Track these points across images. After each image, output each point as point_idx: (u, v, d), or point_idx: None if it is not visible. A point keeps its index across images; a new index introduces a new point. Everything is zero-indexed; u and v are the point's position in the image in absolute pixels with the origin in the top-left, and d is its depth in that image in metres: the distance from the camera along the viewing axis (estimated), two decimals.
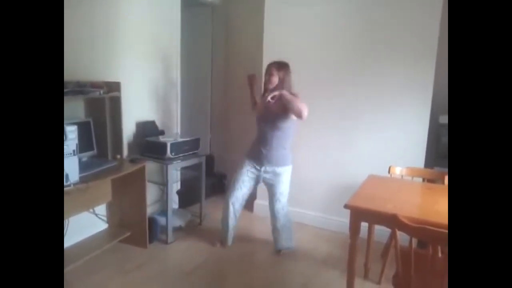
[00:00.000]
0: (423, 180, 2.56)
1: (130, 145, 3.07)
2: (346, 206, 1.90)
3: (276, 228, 2.83)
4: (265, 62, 3.34)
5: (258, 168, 2.72)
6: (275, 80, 2.56)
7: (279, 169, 2.68)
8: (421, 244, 2.52)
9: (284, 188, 2.74)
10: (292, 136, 2.71)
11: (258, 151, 2.68)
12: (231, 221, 2.87)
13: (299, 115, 2.39)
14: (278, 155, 2.66)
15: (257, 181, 2.80)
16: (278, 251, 2.87)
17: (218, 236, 2.97)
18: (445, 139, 2.84)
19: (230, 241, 2.95)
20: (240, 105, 4.02)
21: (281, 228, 2.82)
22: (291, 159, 2.74)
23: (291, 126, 2.62)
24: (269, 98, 2.43)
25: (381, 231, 2.36)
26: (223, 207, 2.90)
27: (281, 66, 2.59)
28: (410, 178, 2.57)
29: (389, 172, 2.56)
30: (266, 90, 2.61)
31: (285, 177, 2.72)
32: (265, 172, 2.71)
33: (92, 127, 2.62)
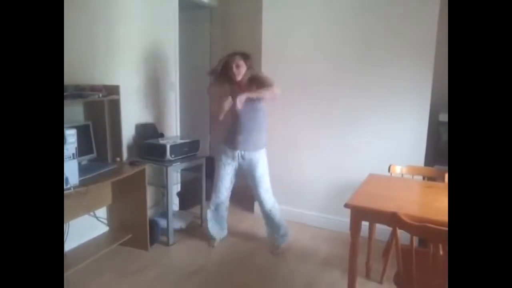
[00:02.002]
0: (423, 178, 2.55)
1: (129, 148, 3.07)
2: (346, 205, 1.89)
3: (267, 216, 2.82)
4: (264, 63, 3.38)
5: (234, 153, 2.71)
6: (243, 70, 2.57)
7: (255, 154, 2.70)
8: (422, 243, 2.51)
9: (263, 170, 2.74)
10: (267, 118, 2.71)
11: (234, 138, 2.67)
12: (219, 221, 2.91)
13: (273, 99, 2.54)
14: (254, 139, 2.67)
15: (236, 169, 2.81)
16: (276, 248, 2.86)
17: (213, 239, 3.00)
18: (445, 137, 2.83)
19: (219, 238, 2.99)
20: None
21: (273, 215, 2.80)
22: (265, 142, 2.75)
23: (263, 107, 2.64)
24: (239, 106, 2.44)
25: (383, 230, 2.36)
26: (209, 207, 2.92)
27: (246, 56, 2.61)
28: (410, 176, 2.57)
29: (389, 170, 2.56)
30: (234, 82, 2.60)
31: (262, 161, 2.73)
32: (242, 157, 2.70)
33: (91, 130, 2.63)
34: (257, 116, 2.64)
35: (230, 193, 2.92)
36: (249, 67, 2.60)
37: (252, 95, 2.48)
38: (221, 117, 2.61)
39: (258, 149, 2.71)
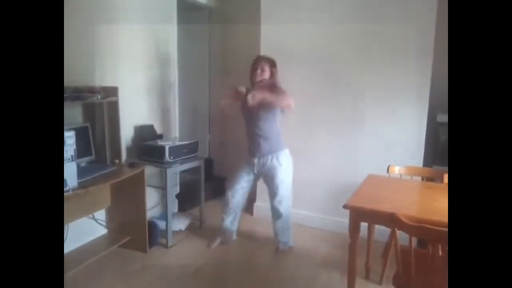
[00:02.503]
0: (422, 179, 2.56)
1: (128, 150, 3.07)
2: (345, 206, 1.89)
3: (275, 223, 2.83)
4: None
5: (254, 161, 2.73)
6: (266, 75, 2.63)
7: (272, 157, 2.67)
8: (421, 244, 2.52)
9: (283, 176, 2.70)
10: (278, 123, 2.73)
11: (251, 149, 2.74)
12: (229, 219, 2.90)
13: (288, 108, 2.53)
14: (270, 144, 2.68)
15: (254, 178, 2.84)
16: (276, 249, 2.88)
17: (216, 238, 3.00)
18: (443, 138, 2.84)
19: (232, 239, 3.00)
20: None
21: (280, 221, 2.80)
22: (282, 145, 2.73)
23: (275, 115, 2.66)
24: (250, 101, 2.43)
25: (382, 230, 2.36)
26: (223, 208, 2.93)
27: (274, 64, 2.67)
28: (409, 177, 2.57)
29: (388, 171, 2.56)
30: (253, 83, 2.66)
31: (283, 165, 2.69)
32: (260, 164, 2.71)
33: (90, 132, 2.62)
34: (266, 123, 2.65)
35: (241, 206, 2.91)
36: (272, 75, 2.65)
37: (268, 96, 2.47)
38: (223, 103, 2.73)
39: (274, 152, 2.68)
